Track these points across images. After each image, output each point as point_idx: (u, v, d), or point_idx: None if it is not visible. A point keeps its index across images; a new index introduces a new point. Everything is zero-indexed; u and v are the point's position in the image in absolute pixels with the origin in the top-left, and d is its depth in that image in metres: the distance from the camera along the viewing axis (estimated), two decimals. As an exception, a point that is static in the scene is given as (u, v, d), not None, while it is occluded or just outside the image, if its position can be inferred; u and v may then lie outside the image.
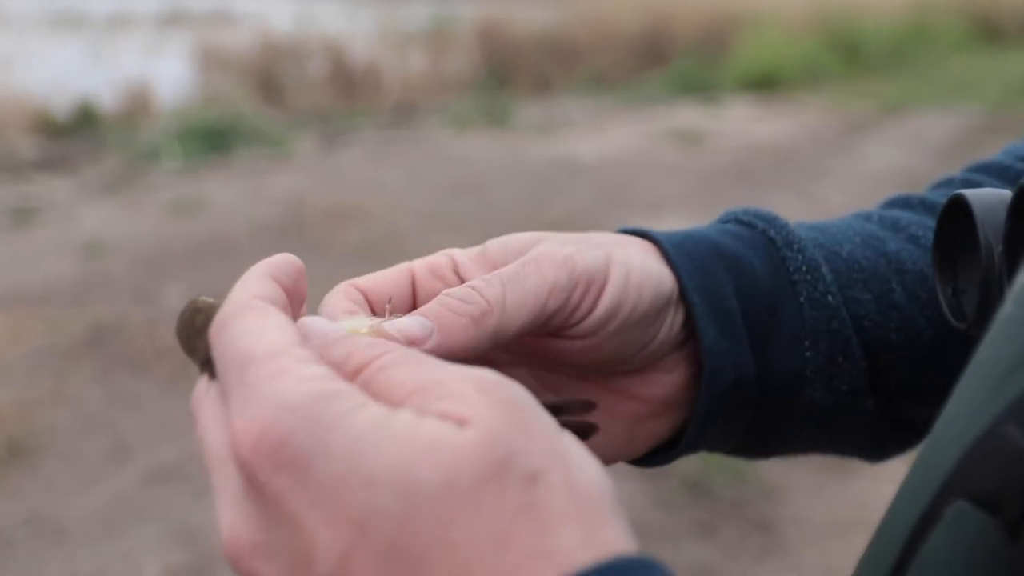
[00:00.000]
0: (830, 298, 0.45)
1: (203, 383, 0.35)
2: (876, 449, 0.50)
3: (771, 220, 0.48)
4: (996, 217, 0.41)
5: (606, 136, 7.69)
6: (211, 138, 6.65)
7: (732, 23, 12.20)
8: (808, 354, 0.45)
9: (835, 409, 0.46)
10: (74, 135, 7.36)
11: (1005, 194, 0.41)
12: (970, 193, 0.42)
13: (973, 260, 0.42)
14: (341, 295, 0.42)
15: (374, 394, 0.31)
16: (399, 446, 0.28)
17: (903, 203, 0.53)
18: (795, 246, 0.46)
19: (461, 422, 0.28)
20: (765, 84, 10.43)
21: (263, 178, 6.06)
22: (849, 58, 12.26)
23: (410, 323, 0.38)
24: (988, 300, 0.41)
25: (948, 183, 0.55)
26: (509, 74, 10.44)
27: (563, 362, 0.44)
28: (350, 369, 0.32)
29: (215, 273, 4.21)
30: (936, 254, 0.45)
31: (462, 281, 0.43)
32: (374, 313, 0.42)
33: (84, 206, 5.40)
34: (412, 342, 0.37)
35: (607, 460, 0.46)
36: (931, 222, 0.49)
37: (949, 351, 0.46)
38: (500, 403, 0.29)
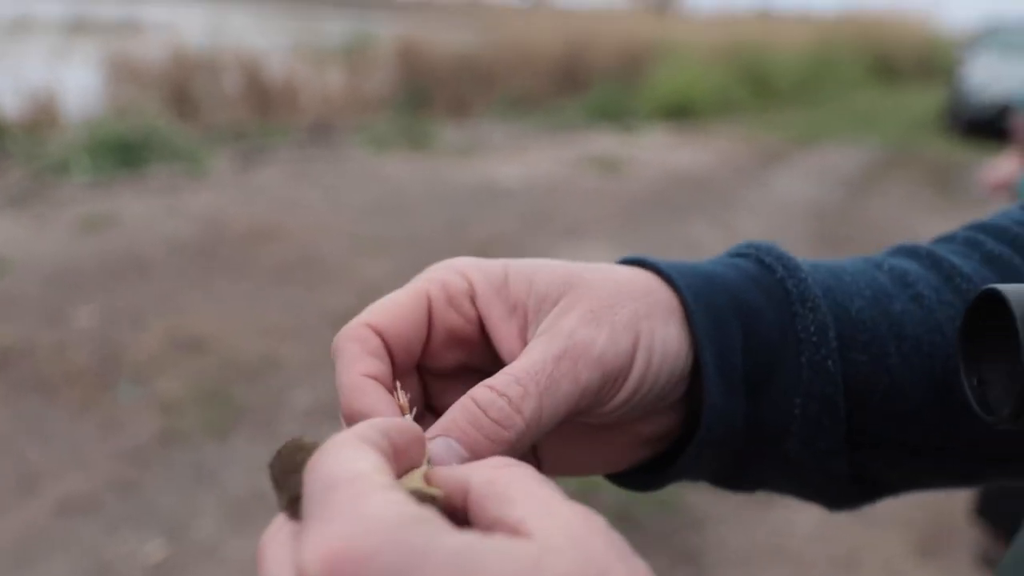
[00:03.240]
0: (830, 363, 0.45)
1: (278, 522, 0.34)
2: (837, 500, 0.50)
3: (792, 269, 0.47)
4: None
5: (526, 160, 7.73)
6: (123, 152, 6.46)
7: (648, 52, 12.45)
8: (796, 412, 0.45)
9: (806, 463, 0.47)
10: (-26, 144, 7.06)
11: None
12: (1007, 289, 0.42)
13: (1000, 352, 0.42)
14: (358, 345, 0.39)
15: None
16: (503, 562, 0.27)
17: (910, 252, 0.53)
18: (808, 304, 0.46)
19: (555, 552, 0.28)
20: (679, 113, 10.66)
21: (178, 195, 5.90)
22: (759, 90, 12.64)
23: (448, 456, 0.36)
24: None
25: (950, 239, 0.55)
26: (428, 95, 10.42)
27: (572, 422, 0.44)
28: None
29: (128, 293, 4.08)
30: (960, 342, 0.45)
31: (478, 312, 0.42)
32: (393, 363, 0.40)
33: (-13, 220, 5.18)
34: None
35: (583, 473, 0.46)
36: (936, 280, 0.50)
37: (928, 415, 0.47)
38: (593, 546, 0.29)
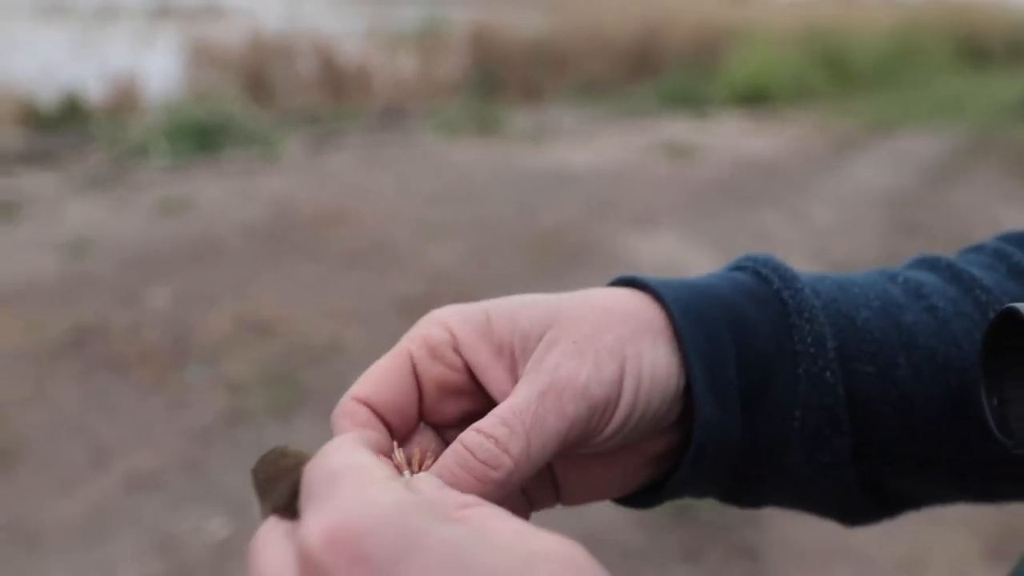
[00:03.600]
0: (828, 374, 0.45)
1: (269, 523, 0.35)
2: (852, 515, 0.50)
3: (789, 280, 0.46)
4: None
5: (596, 146, 7.69)
6: (200, 136, 6.61)
7: (723, 37, 12.24)
8: (796, 424, 0.45)
9: (813, 478, 0.46)
10: (60, 128, 7.29)
11: None
12: None
13: (1022, 371, 0.41)
14: (348, 420, 0.41)
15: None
16: (500, 554, 0.28)
17: (931, 264, 0.52)
18: (805, 315, 0.45)
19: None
20: (754, 99, 10.48)
21: (252, 179, 6.02)
22: (837, 75, 12.34)
23: None
24: None
25: (978, 249, 0.54)
26: (499, 80, 10.42)
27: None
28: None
29: (201, 276, 4.17)
30: (981, 361, 0.44)
31: (463, 360, 0.42)
32: (390, 430, 0.41)
33: (69, 202, 5.35)
34: None
35: (599, 498, 0.46)
36: (954, 292, 0.49)
37: (941, 429, 0.47)
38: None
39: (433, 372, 0.42)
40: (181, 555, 2.38)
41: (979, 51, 16.76)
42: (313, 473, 0.33)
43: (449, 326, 0.42)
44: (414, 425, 0.42)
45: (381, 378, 0.41)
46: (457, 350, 0.42)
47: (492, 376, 0.42)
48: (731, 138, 8.40)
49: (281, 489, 0.36)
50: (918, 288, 0.49)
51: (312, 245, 4.69)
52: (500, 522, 0.31)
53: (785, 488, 0.47)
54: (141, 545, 2.41)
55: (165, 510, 2.55)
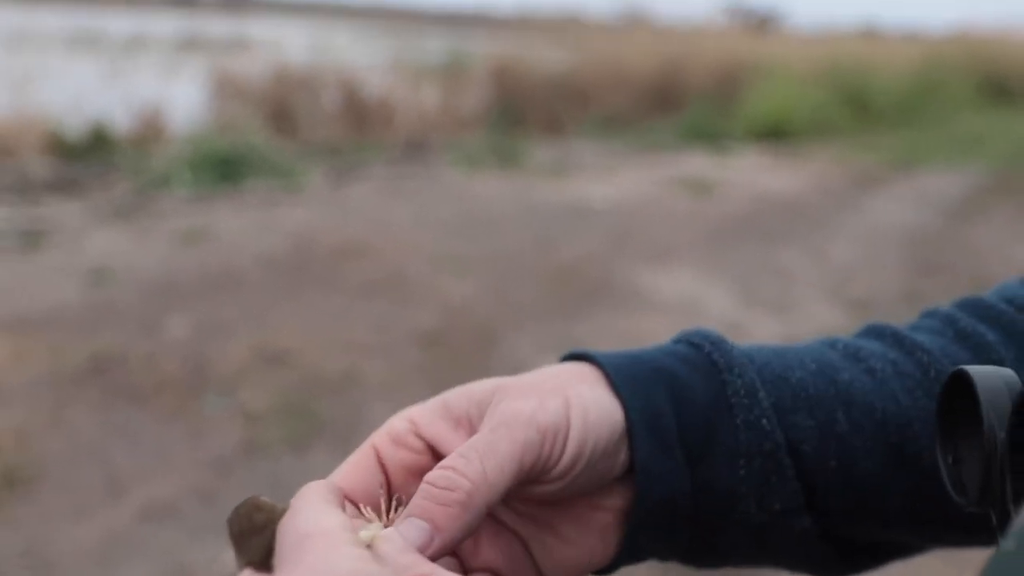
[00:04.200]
0: (764, 422, 0.48)
1: (246, 574, 0.38)
2: (819, 567, 0.52)
3: (718, 343, 0.50)
4: (1001, 402, 0.42)
5: (616, 181, 7.72)
6: (222, 167, 6.69)
7: (743, 72, 12.29)
8: (742, 472, 0.47)
9: (769, 526, 0.49)
10: (87, 157, 7.40)
11: (1009, 376, 0.43)
12: (974, 372, 0.43)
13: (973, 433, 0.43)
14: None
15: None
16: None
17: (876, 332, 0.55)
18: (736, 370, 0.49)
19: None
20: (775, 134, 10.49)
21: (273, 210, 6.08)
22: (858, 112, 12.34)
23: (412, 533, 0.40)
24: (990, 485, 0.42)
25: (932, 314, 0.57)
26: (521, 113, 10.50)
27: (538, 499, 0.47)
28: None
29: (220, 306, 4.21)
30: (939, 421, 0.46)
31: (425, 441, 0.46)
32: (358, 509, 0.44)
33: (93, 231, 5.42)
34: (421, 551, 0.39)
35: (587, 569, 0.48)
36: (894, 355, 0.52)
37: (889, 482, 0.49)
38: None
39: (397, 457, 0.46)
40: (194, 586, 2.39)
41: (1001, 88, 16.72)
42: (285, 534, 0.37)
43: (409, 416, 0.47)
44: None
45: (349, 470, 0.45)
46: (418, 434, 0.46)
47: (454, 446, 0.45)
48: (751, 174, 8.41)
49: (255, 544, 0.38)
50: (856, 352, 0.52)
51: (331, 277, 4.72)
52: None
53: (744, 540, 0.49)
54: (155, 575, 2.42)
55: (180, 540, 2.57)
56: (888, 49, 17.10)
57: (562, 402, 0.45)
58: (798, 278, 5.17)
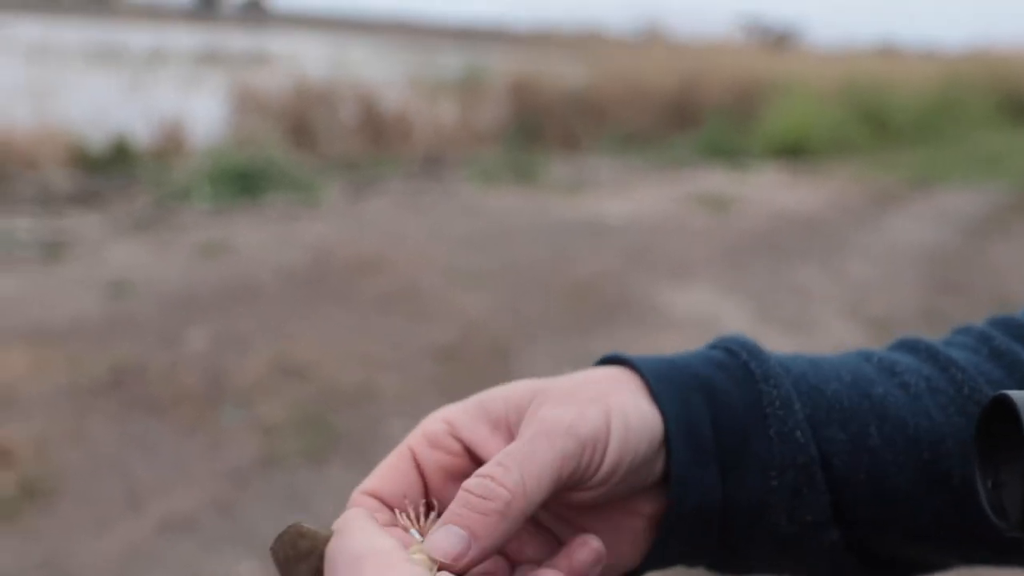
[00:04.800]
0: (799, 434, 0.48)
1: None
2: None
3: (755, 353, 0.50)
4: None
5: (633, 197, 7.72)
6: (242, 181, 6.73)
7: (762, 89, 12.28)
8: (774, 483, 0.48)
9: (798, 537, 0.49)
10: (108, 170, 7.47)
11: None
12: (1017, 396, 0.42)
13: (1016, 457, 0.43)
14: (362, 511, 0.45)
15: None
16: None
17: (910, 347, 0.55)
18: (772, 381, 0.49)
19: None
20: (793, 151, 10.47)
21: (291, 224, 6.11)
22: (876, 129, 12.30)
23: (449, 540, 0.40)
24: None
25: (966, 331, 0.56)
26: (538, 129, 10.52)
27: (576, 505, 0.47)
28: None
29: (239, 319, 4.23)
30: (977, 444, 0.45)
31: (463, 443, 0.46)
32: (393, 514, 0.44)
33: (113, 243, 5.46)
34: (457, 558, 0.39)
35: (616, 571, 0.48)
36: (928, 371, 0.52)
37: (920, 498, 0.49)
38: None
39: (434, 459, 0.45)
40: (211, 598, 2.39)
41: (1021, 107, 16.62)
42: (337, 557, 0.37)
43: (446, 417, 0.46)
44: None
45: (385, 472, 0.45)
46: (455, 435, 0.46)
47: (492, 449, 0.45)
48: (769, 191, 8.40)
49: (302, 571, 0.38)
50: (892, 366, 0.52)
51: (348, 290, 4.74)
52: None
53: (771, 550, 0.49)
54: (172, 587, 2.43)
55: (197, 552, 2.57)
56: (906, 67, 17.05)
57: (602, 411, 0.44)
58: (815, 296, 5.15)
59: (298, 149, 8.25)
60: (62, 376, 3.54)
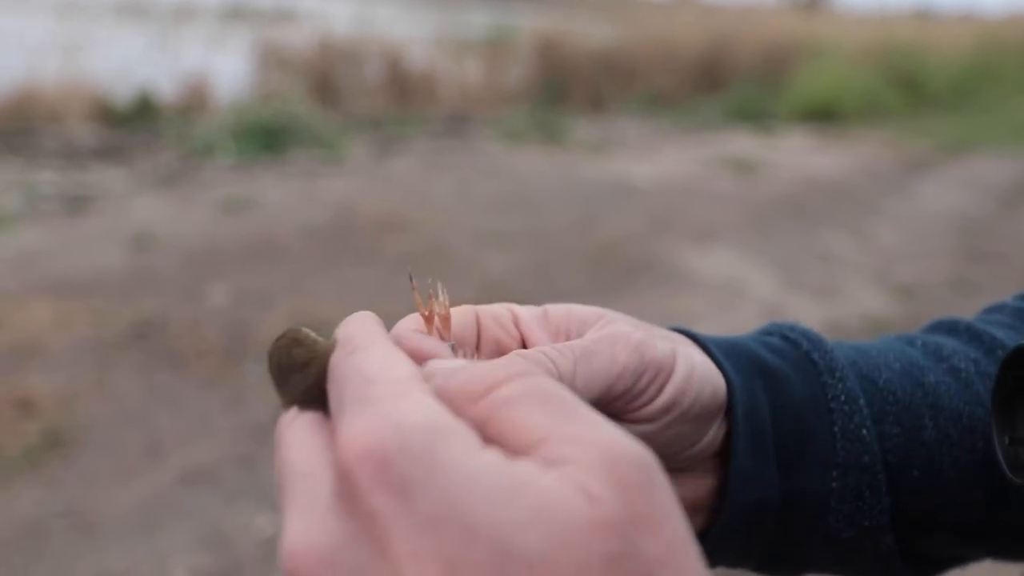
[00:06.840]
0: (864, 432, 0.45)
1: (291, 412, 0.33)
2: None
3: (816, 342, 0.47)
4: None
5: (659, 159, 7.64)
6: (266, 137, 6.71)
7: (793, 51, 12.09)
8: (835, 484, 0.45)
9: (855, 542, 0.46)
10: (132, 125, 7.47)
11: None
12: None
13: None
14: (412, 321, 0.42)
15: (496, 432, 0.29)
16: (510, 502, 0.26)
17: (949, 328, 0.52)
18: (837, 374, 0.46)
19: (586, 495, 0.26)
20: (823, 115, 10.32)
21: (315, 180, 6.10)
22: (910, 94, 12.10)
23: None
24: None
25: (999, 309, 0.54)
26: (565, 89, 10.42)
27: None
28: (474, 394, 0.30)
29: (260, 274, 4.23)
30: (995, 400, 0.44)
31: (521, 335, 0.43)
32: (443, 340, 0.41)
33: (137, 197, 5.47)
34: None
35: None
36: (975, 353, 0.49)
37: (969, 493, 0.46)
38: (631, 488, 0.27)
39: (494, 332, 0.43)
40: (230, 551, 2.41)
41: (1059, 73, 16.29)
42: (345, 375, 0.32)
43: (510, 307, 0.44)
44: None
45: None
46: (516, 324, 0.43)
47: None
48: (796, 155, 8.29)
49: (296, 383, 0.34)
50: (938, 350, 0.49)
51: (370, 249, 4.73)
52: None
53: (825, 554, 0.46)
54: (192, 538, 2.44)
55: (217, 505, 2.59)
56: (942, 31, 16.74)
57: (671, 347, 0.42)
58: (843, 262, 5.08)
59: (322, 106, 8.21)
60: (86, 329, 3.56)
